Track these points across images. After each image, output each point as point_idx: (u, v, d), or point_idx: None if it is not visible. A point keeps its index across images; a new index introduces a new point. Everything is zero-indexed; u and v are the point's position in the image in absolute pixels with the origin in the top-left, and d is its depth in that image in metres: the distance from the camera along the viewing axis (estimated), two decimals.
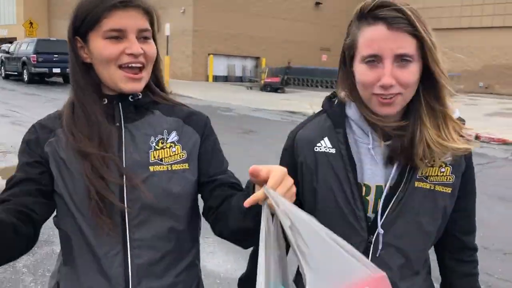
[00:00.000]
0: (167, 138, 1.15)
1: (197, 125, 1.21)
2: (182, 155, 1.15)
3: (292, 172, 1.18)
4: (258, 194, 0.85)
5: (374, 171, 1.15)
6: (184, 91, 18.05)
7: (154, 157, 1.12)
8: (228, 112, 13.27)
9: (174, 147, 1.15)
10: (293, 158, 1.23)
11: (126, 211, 1.08)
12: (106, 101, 1.13)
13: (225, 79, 26.44)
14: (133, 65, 1.07)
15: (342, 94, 1.20)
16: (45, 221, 1.09)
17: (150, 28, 1.11)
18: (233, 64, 26.89)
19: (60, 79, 20.94)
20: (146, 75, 1.12)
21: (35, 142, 1.13)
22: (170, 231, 1.13)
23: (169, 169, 1.12)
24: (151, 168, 1.10)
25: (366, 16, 1.06)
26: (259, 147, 8.40)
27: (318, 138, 1.20)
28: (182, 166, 1.15)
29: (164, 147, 1.14)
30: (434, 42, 1.05)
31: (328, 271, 0.75)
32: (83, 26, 1.08)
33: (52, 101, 13.55)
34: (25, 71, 19.93)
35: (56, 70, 19.65)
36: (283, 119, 12.38)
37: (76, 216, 1.09)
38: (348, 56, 1.13)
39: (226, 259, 3.77)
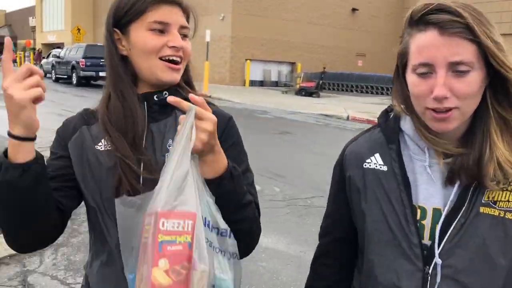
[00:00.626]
0: None
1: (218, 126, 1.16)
2: None
3: (342, 190, 1.15)
4: (184, 103, 0.95)
5: (430, 192, 1.03)
6: (222, 94, 18.80)
7: None
8: (264, 114, 13.84)
9: None
10: (342, 173, 1.15)
11: None
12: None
13: (261, 83, 27.08)
14: (174, 58, 1.09)
15: (397, 107, 1.09)
16: (71, 211, 1.13)
17: (187, 25, 1.13)
18: (269, 69, 27.50)
19: (105, 82, 22.06)
20: (182, 69, 1.14)
21: (62, 137, 1.16)
22: None
23: None
24: None
25: (418, 21, 0.95)
26: (295, 147, 8.92)
27: (368, 154, 1.11)
28: None
29: None
30: (499, 45, 0.92)
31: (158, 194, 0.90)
32: (126, 17, 1.09)
33: None
34: (74, 74, 21.18)
35: (102, 74, 20.76)
36: (318, 122, 12.85)
37: (100, 214, 1.10)
38: (400, 65, 1.03)
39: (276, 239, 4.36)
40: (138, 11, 1.08)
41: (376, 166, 1.08)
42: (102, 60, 20.63)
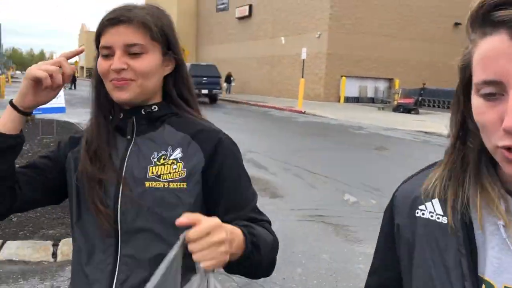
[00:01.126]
0: (171, 155, 1.09)
1: (205, 143, 1.10)
2: (182, 173, 1.07)
3: (391, 242, 0.90)
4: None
5: (503, 263, 0.73)
6: (317, 111, 19.01)
7: (152, 172, 1.07)
8: (359, 130, 13.79)
9: (176, 164, 1.07)
10: (391, 221, 0.89)
11: (119, 227, 1.07)
12: (122, 116, 1.13)
13: (357, 100, 26.85)
14: (116, 80, 1.07)
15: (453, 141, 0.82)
16: (22, 205, 1.12)
17: (143, 42, 1.06)
18: (365, 86, 27.20)
19: (207, 100, 23.47)
20: (136, 87, 1.08)
21: (64, 145, 1.21)
22: (160, 253, 0.99)
23: (165, 186, 1.06)
24: (146, 184, 1.06)
25: (483, 22, 0.66)
26: (391, 162, 8.84)
27: (423, 198, 0.83)
28: (179, 185, 1.06)
29: (166, 163, 1.08)
30: None
31: None
32: (97, 44, 1.12)
33: None
34: None
35: (204, 91, 22.20)
36: (415, 139, 12.51)
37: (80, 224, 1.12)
38: (462, 85, 0.76)
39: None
40: (97, 39, 1.10)
41: (432, 216, 0.81)
42: (204, 78, 22.24)
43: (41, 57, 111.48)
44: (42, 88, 1.04)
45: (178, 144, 1.10)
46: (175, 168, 1.07)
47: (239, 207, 1.09)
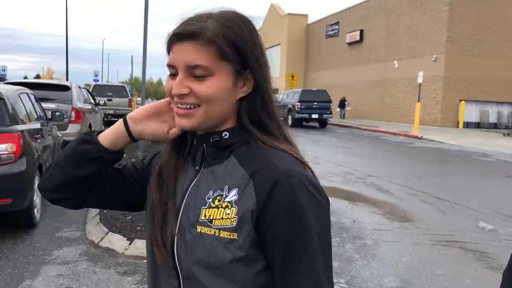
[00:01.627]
0: (226, 196, 0.93)
1: (261, 185, 0.90)
2: (233, 221, 0.90)
3: None
4: None
5: None
6: (435, 136, 18.24)
7: (205, 215, 0.93)
8: (485, 157, 12.97)
9: (230, 208, 0.91)
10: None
11: (180, 271, 0.96)
12: (195, 141, 1.01)
13: (477, 125, 25.16)
14: (179, 105, 0.94)
15: None
16: (95, 203, 1.12)
17: (207, 64, 0.90)
18: (487, 110, 25.42)
19: (316, 124, 23.74)
20: (201, 114, 0.93)
21: (149, 160, 1.15)
22: None
23: (216, 234, 0.91)
24: (198, 228, 0.93)
25: None
26: None
27: None
28: (230, 235, 0.90)
29: (220, 206, 0.92)
30: None
31: None
32: None
33: (316, 142, 15.81)
34: (289, 116, 23.43)
35: (315, 116, 22.57)
36: None
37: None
38: None
39: None
40: (168, 53, 0.96)
41: None
42: (315, 103, 22.65)
43: (159, 84, 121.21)
44: (160, 119, 1.03)
45: (236, 184, 0.93)
46: (228, 214, 0.91)
47: (290, 278, 0.88)
